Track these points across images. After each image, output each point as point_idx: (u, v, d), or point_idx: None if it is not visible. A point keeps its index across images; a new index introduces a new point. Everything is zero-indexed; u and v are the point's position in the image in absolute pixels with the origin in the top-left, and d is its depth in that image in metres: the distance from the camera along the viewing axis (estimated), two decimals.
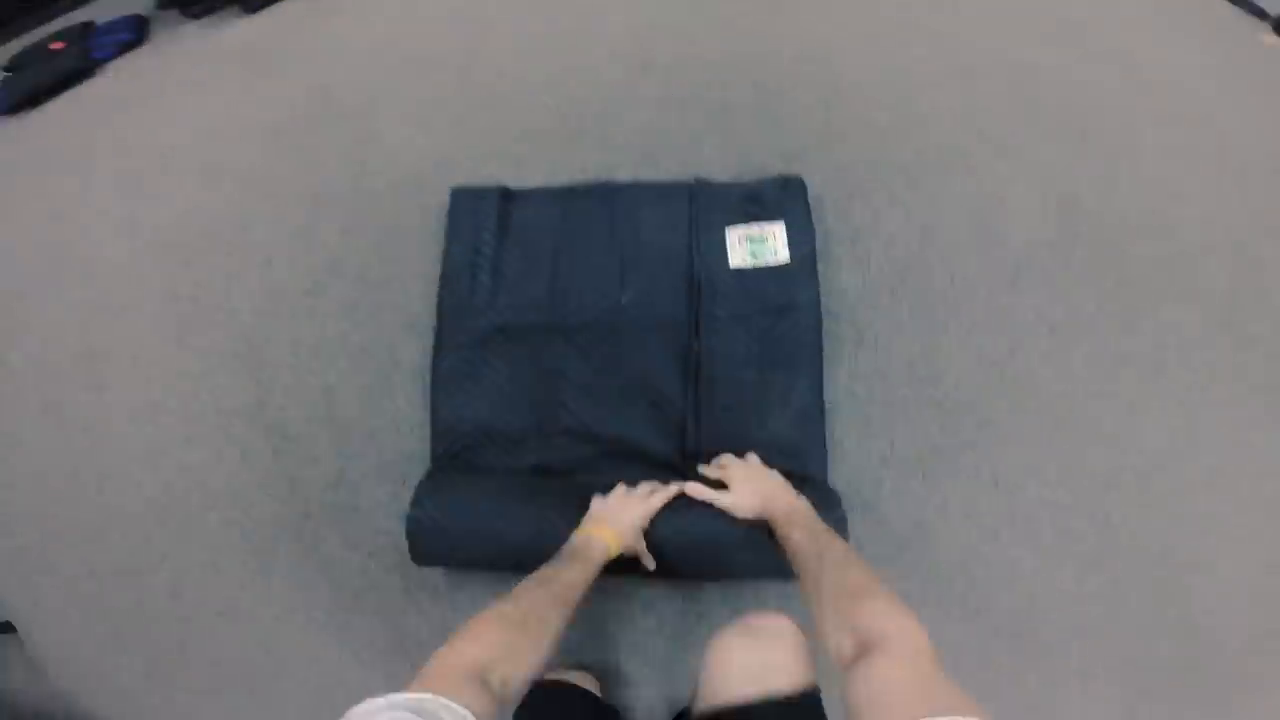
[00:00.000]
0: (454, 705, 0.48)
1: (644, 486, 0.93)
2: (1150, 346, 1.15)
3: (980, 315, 1.13)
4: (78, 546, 1.21)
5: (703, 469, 0.96)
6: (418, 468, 1.08)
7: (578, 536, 0.84)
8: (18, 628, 1.30)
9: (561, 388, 1.05)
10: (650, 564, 0.93)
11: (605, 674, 1.06)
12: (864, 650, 0.55)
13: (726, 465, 0.94)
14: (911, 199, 1.14)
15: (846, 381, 1.09)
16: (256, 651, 1.17)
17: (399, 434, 1.09)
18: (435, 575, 1.11)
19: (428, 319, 1.10)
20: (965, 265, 1.13)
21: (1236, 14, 1.48)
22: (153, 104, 1.21)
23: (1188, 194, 1.21)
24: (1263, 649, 1.04)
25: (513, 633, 0.62)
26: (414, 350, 1.06)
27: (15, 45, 1.63)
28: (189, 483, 1.14)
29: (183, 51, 1.42)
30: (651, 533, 0.90)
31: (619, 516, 0.88)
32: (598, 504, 0.90)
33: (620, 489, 0.93)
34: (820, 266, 1.11)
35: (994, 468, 1.09)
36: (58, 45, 1.53)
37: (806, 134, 1.16)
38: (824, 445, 1.04)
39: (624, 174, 1.17)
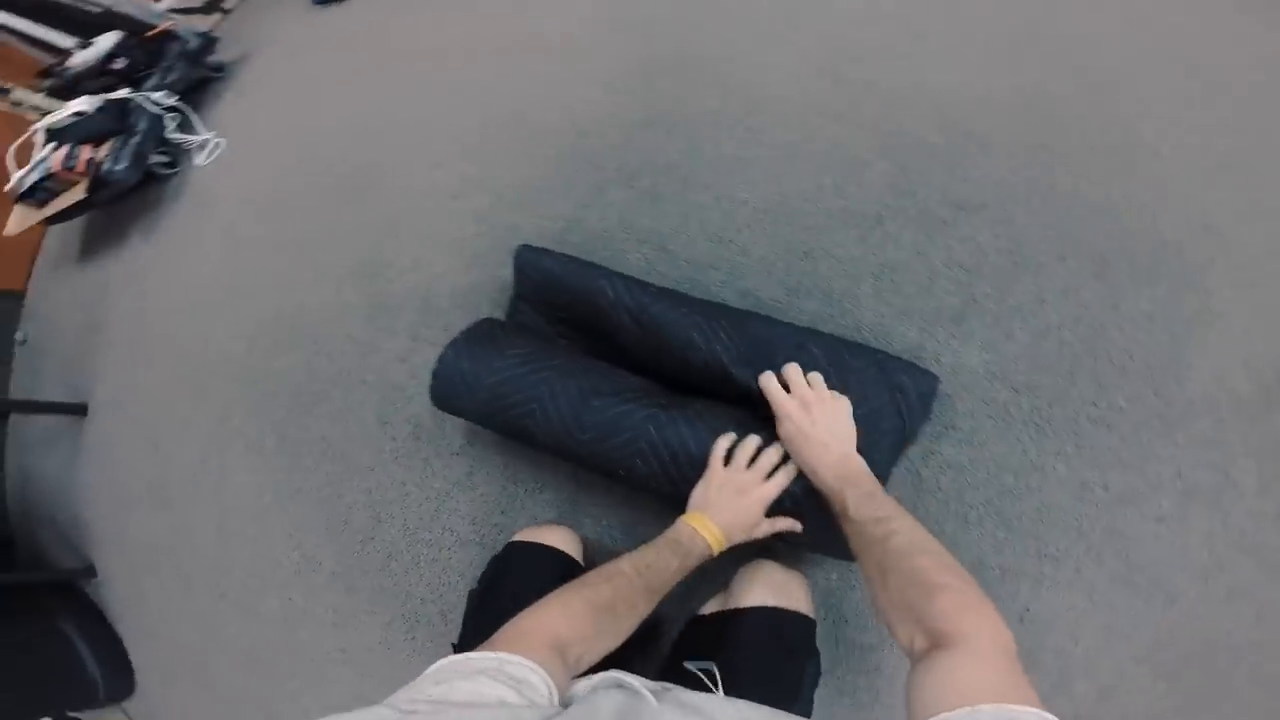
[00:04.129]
0: (537, 669, 0.48)
1: (761, 456, 0.78)
2: None
3: (1109, 457, 0.92)
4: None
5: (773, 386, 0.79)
6: None
7: (682, 525, 0.75)
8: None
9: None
10: (792, 526, 0.80)
11: (593, 542, 0.99)
12: (938, 646, 0.51)
13: (810, 400, 0.77)
14: (1091, 296, 0.95)
15: (918, 460, 0.95)
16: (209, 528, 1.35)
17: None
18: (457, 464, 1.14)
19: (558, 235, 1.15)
20: (1120, 392, 0.93)
21: None
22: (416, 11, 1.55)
23: None
24: None
25: (600, 618, 0.61)
26: None
27: None
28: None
29: None
30: None
31: (726, 514, 0.76)
32: (704, 489, 0.78)
33: (718, 460, 0.78)
34: (946, 328, 0.98)
35: (1029, 604, 0.93)
36: None
37: (987, 188, 1.04)
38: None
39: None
